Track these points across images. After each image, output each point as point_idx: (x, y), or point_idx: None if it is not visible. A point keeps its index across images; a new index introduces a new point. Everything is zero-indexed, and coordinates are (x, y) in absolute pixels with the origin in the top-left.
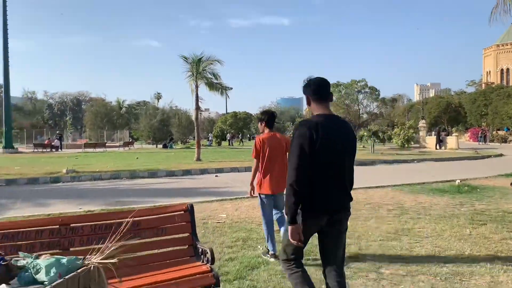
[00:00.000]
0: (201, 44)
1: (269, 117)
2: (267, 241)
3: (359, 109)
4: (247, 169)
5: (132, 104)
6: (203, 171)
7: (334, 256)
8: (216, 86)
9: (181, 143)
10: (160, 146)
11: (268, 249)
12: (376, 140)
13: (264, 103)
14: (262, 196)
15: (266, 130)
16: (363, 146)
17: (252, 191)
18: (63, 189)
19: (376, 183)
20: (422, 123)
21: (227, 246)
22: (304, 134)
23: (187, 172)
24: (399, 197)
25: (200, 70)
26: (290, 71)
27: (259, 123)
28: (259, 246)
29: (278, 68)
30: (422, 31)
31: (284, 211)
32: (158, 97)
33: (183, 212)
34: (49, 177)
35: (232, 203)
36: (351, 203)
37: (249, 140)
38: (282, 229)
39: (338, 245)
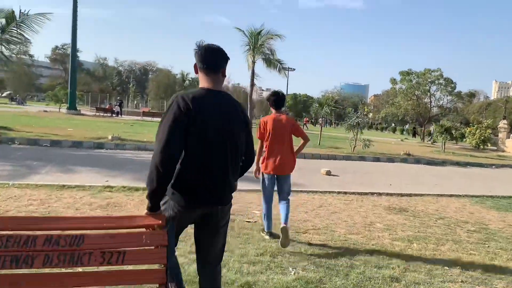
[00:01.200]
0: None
1: (277, 97)
2: (264, 219)
3: (430, 102)
4: (300, 155)
5: (196, 77)
6: None
7: (209, 253)
8: (274, 62)
9: None
10: None
11: (264, 227)
12: (448, 137)
13: (327, 87)
14: (264, 175)
15: (273, 111)
16: (432, 143)
17: (257, 172)
18: (101, 156)
19: (448, 190)
20: (503, 124)
21: (248, 261)
22: (176, 108)
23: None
24: (480, 214)
25: (258, 44)
26: (358, 57)
27: (269, 103)
28: (290, 269)
29: (346, 52)
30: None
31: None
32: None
33: (154, 230)
34: (94, 142)
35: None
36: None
37: (314, 124)
38: (282, 210)
39: (215, 242)
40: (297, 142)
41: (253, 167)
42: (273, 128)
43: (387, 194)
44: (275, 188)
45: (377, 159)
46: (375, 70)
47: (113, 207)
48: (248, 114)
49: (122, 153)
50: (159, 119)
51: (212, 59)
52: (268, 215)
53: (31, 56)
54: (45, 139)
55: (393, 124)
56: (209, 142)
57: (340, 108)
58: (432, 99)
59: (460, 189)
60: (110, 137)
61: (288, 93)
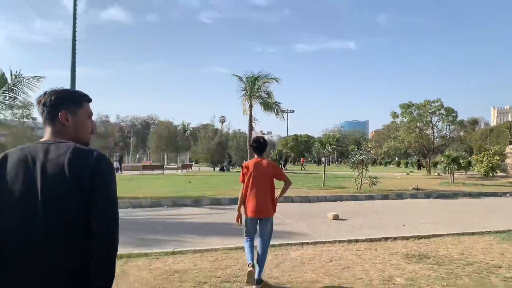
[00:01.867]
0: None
1: (257, 144)
2: (247, 254)
3: (433, 132)
4: (304, 199)
5: (197, 127)
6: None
7: None
8: (271, 105)
9: (238, 166)
10: (218, 169)
11: (247, 261)
12: (455, 168)
13: (327, 126)
14: (247, 218)
15: (255, 156)
16: (438, 174)
17: (238, 219)
18: None
19: (469, 227)
20: (509, 149)
21: None
22: None
23: (233, 201)
24: (511, 253)
25: (255, 88)
26: (355, 94)
27: (251, 149)
28: None
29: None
30: (498, 48)
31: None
32: (223, 120)
33: None
34: None
35: (274, 253)
36: None
37: (318, 164)
38: (260, 252)
39: None
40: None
41: (235, 214)
42: (254, 172)
43: (403, 237)
44: (257, 231)
45: (385, 197)
46: (374, 105)
47: None
48: (248, 159)
49: None
50: (159, 172)
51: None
52: (250, 250)
53: (34, 119)
54: None
55: (396, 158)
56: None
57: (342, 146)
58: (434, 130)
59: (480, 223)
60: None
61: (289, 134)
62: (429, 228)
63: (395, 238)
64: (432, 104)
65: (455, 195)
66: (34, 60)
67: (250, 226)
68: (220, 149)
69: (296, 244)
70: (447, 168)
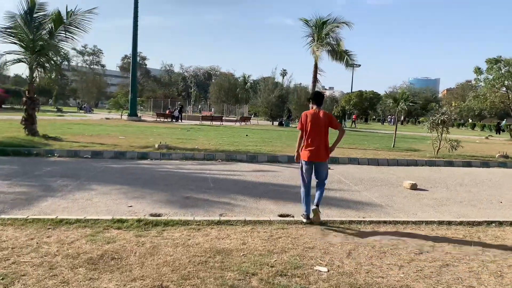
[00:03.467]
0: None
1: (315, 96)
2: (302, 202)
3: None
4: (371, 161)
5: (257, 80)
6: None
7: None
8: (341, 53)
9: (298, 122)
10: (276, 123)
11: (303, 211)
12: None
13: (395, 83)
14: (302, 161)
15: (314, 107)
16: None
17: (297, 158)
18: (139, 169)
19: None
20: None
21: None
22: None
23: (291, 159)
24: None
25: (322, 34)
26: (426, 51)
27: (309, 103)
28: None
29: (413, 47)
30: None
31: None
32: (284, 73)
33: None
34: (138, 152)
35: (344, 236)
36: None
37: (382, 122)
38: (317, 193)
39: None
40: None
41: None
42: (311, 121)
43: None
44: (313, 175)
45: (467, 164)
46: (446, 63)
47: (108, 261)
48: None
49: (164, 165)
50: (218, 123)
51: None
52: (306, 200)
53: (102, 66)
54: (87, 150)
55: (469, 120)
56: None
57: (419, 103)
58: None
59: None
60: (156, 146)
61: (353, 90)
62: None
63: (500, 223)
64: None
65: None
66: (98, 9)
67: (307, 170)
68: (280, 103)
69: (371, 222)
70: None
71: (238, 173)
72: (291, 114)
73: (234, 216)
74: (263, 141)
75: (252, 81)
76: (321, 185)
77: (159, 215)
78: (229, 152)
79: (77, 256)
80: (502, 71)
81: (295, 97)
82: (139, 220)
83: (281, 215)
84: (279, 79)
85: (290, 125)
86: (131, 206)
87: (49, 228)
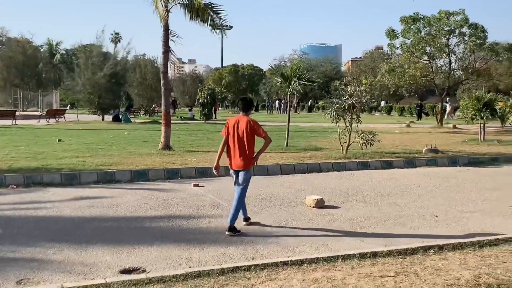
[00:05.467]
0: None
1: (243, 101)
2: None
3: (450, 62)
4: (258, 170)
5: (74, 48)
6: (172, 174)
7: None
8: (203, 10)
9: (145, 114)
10: (110, 117)
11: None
12: (488, 117)
13: (282, 52)
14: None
15: (240, 113)
16: (454, 126)
17: (216, 169)
18: None
19: None
20: None
21: None
22: None
23: (138, 175)
24: None
25: None
26: (322, 11)
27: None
28: None
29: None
30: None
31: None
32: (116, 39)
33: None
34: None
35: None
36: None
37: (270, 111)
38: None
39: None
40: None
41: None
42: (232, 129)
43: (454, 246)
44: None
45: (388, 165)
46: (349, 25)
47: None
48: (163, 100)
49: None
50: (8, 122)
51: None
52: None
53: None
54: None
55: (382, 102)
56: None
57: (317, 82)
58: (451, 58)
59: None
60: None
61: (224, 64)
62: (480, 222)
63: (440, 248)
64: (451, 18)
65: (493, 160)
66: None
67: (234, 178)
68: (113, 86)
69: (264, 266)
70: (476, 116)
71: (47, 205)
72: (133, 102)
73: (43, 281)
74: (88, 149)
75: (64, 52)
76: (237, 193)
77: None
78: (30, 170)
79: None
80: (422, 33)
81: (137, 76)
82: None
83: (124, 271)
84: (110, 48)
85: (133, 121)
86: None
87: None
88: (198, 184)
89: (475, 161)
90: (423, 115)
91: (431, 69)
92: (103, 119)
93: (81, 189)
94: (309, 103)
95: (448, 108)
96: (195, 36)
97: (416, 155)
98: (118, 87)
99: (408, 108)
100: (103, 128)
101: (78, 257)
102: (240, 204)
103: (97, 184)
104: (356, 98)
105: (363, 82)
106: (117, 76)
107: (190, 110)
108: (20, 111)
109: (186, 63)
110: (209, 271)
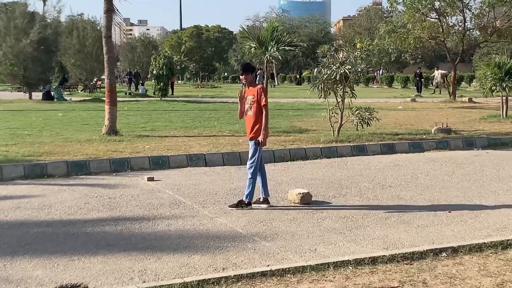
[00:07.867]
0: None
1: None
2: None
3: (464, 20)
4: (229, 158)
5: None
6: (120, 165)
7: None
8: None
9: (84, 90)
10: (39, 95)
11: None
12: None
13: (256, 10)
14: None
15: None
16: (470, 100)
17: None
18: None
19: None
20: None
21: None
22: None
23: (77, 168)
24: None
25: None
26: None
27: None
28: None
29: None
30: None
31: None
32: None
33: None
34: None
35: None
36: None
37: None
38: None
39: None
40: None
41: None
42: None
43: (472, 247)
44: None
45: (390, 149)
46: None
47: None
48: (107, 71)
49: None
50: None
51: None
52: (261, 183)
53: None
54: None
55: (382, 71)
56: None
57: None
58: (465, 14)
59: None
60: None
61: (183, 26)
62: (502, 218)
63: (455, 250)
64: None
65: None
66: None
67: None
68: (43, 55)
69: (238, 279)
70: (497, 87)
71: None
72: (68, 76)
73: None
74: (12, 136)
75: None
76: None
77: None
78: None
79: None
80: None
81: (74, 42)
82: None
83: None
84: (38, 6)
85: (69, 99)
86: None
87: None
88: (153, 178)
89: (496, 143)
90: (422, 87)
91: (441, 29)
92: (30, 97)
93: (4, 186)
94: (298, 75)
95: (438, 78)
96: None
97: (424, 136)
98: (48, 56)
99: (413, 78)
100: (31, 108)
101: (2, 273)
102: (252, 179)
103: (24, 179)
104: (349, 67)
105: (358, 47)
106: (47, 42)
107: (142, 85)
108: None
109: (136, 25)
110: (169, 286)
